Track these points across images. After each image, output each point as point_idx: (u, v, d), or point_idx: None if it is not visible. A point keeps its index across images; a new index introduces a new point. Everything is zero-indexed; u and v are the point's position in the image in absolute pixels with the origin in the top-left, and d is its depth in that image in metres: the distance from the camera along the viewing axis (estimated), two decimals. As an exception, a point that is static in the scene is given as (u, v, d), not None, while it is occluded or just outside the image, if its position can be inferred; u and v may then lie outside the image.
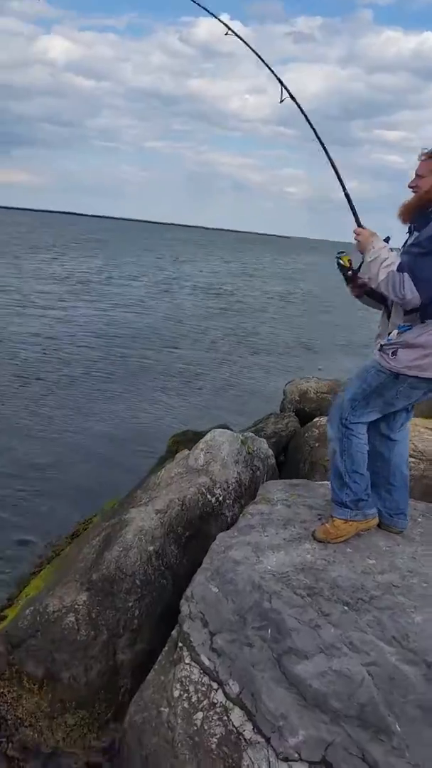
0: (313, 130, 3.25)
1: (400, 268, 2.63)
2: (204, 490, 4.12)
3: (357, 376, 3.03)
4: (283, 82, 3.36)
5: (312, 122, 3.26)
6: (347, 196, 3.05)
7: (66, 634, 3.09)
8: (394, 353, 2.82)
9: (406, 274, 2.61)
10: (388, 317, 2.93)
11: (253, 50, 3.55)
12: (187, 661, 2.47)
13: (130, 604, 3.27)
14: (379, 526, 3.22)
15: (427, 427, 5.89)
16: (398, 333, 2.83)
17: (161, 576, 3.49)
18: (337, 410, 3.04)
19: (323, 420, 5.90)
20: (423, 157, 2.75)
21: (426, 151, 2.75)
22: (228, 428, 6.59)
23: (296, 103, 3.33)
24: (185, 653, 2.49)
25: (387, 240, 2.83)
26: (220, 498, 4.20)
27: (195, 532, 3.87)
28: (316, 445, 5.35)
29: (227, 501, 4.24)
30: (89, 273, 25.82)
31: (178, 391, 9.38)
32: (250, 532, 3.06)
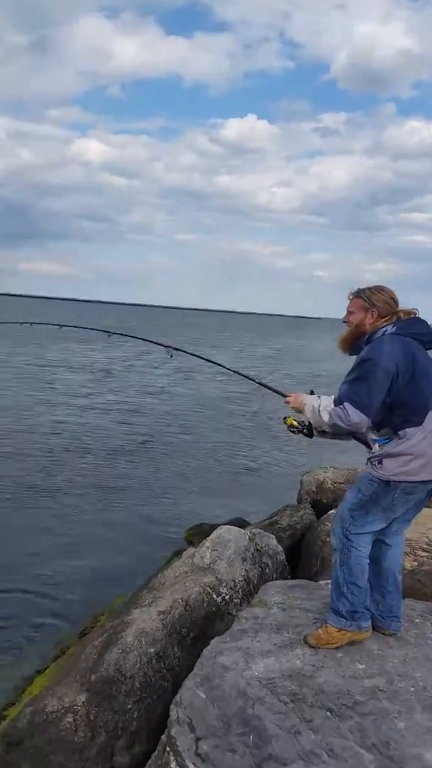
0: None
1: (338, 402, 2.89)
2: (209, 590, 4.20)
3: (353, 486, 3.19)
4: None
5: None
6: (260, 383, 3.74)
7: (63, 735, 3.13)
8: (380, 462, 2.99)
9: (346, 404, 2.86)
10: (358, 439, 3.14)
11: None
12: (172, 766, 2.52)
13: (129, 706, 3.31)
14: (373, 628, 3.27)
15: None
16: (379, 446, 3.03)
17: (162, 678, 3.53)
18: (339, 521, 3.18)
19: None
20: (351, 297, 3.08)
21: (354, 290, 3.10)
22: (243, 521, 6.70)
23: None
24: (171, 758, 2.54)
25: (312, 392, 3.17)
26: (227, 597, 4.27)
27: (200, 633, 3.91)
28: (328, 539, 5.38)
29: (234, 600, 4.30)
30: (114, 361, 26.67)
31: (198, 480, 9.50)
32: (243, 637, 3.13)
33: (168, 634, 3.77)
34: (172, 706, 2.79)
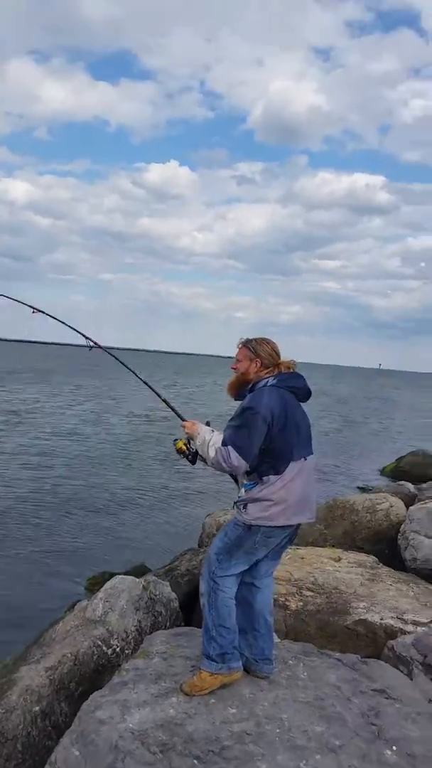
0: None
1: (224, 443, 3.13)
2: (99, 642, 4.27)
3: (221, 531, 3.41)
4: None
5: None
6: (165, 401, 3.90)
7: None
8: (244, 507, 3.23)
9: (229, 447, 3.11)
10: (236, 480, 3.37)
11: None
12: None
13: (10, 770, 3.33)
14: (247, 671, 3.46)
15: (331, 558, 6.23)
16: (245, 491, 3.27)
17: (47, 737, 3.56)
18: (206, 565, 3.38)
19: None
20: (239, 345, 3.38)
21: (242, 340, 3.39)
22: (145, 568, 6.78)
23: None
24: None
25: (208, 424, 3.40)
26: (117, 649, 4.34)
27: (90, 687, 3.92)
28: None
29: (126, 651, 4.37)
30: (24, 402, 26.12)
31: (104, 525, 9.43)
32: (122, 689, 3.24)
33: (55, 690, 3.81)
34: (47, 766, 2.85)
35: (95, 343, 4.19)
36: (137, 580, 4.91)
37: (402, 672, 3.82)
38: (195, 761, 2.74)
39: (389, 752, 2.96)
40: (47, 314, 4.29)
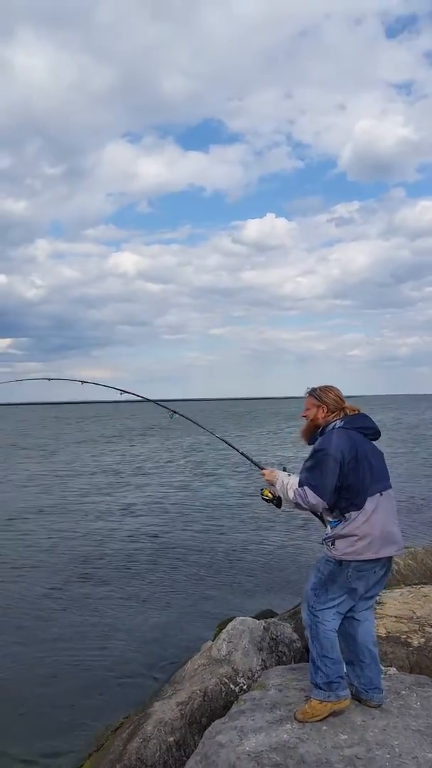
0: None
1: (300, 484, 3.45)
2: (226, 680, 4.59)
3: (314, 567, 3.67)
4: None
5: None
6: (243, 454, 4.31)
7: None
8: (332, 543, 3.49)
9: (306, 487, 3.42)
10: (322, 519, 3.65)
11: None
12: None
13: (152, 793, 3.70)
14: (359, 701, 3.63)
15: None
16: (331, 528, 3.54)
17: (182, 765, 3.90)
18: (305, 600, 3.65)
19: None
20: (306, 395, 3.71)
21: (308, 389, 3.72)
22: (272, 612, 7.01)
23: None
24: None
25: (284, 469, 3.75)
26: (244, 686, 4.62)
27: (220, 722, 4.28)
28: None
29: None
30: (141, 458, 27.41)
31: (231, 572, 9.77)
32: (239, 717, 3.54)
33: (187, 723, 4.16)
34: (176, 784, 3.20)
35: (174, 411, 4.72)
36: (258, 621, 5.19)
37: None
38: (306, 780, 2.96)
39: None
40: (134, 394, 4.92)
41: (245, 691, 4.60)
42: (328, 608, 3.53)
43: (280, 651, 5.07)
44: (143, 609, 8.19)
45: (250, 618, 5.28)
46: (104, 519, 14.47)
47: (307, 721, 3.43)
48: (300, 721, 3.45)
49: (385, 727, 3.40)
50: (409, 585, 6.64)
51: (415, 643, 5.06)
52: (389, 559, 3.57)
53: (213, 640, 5.08)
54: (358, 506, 3.43)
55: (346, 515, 3.44)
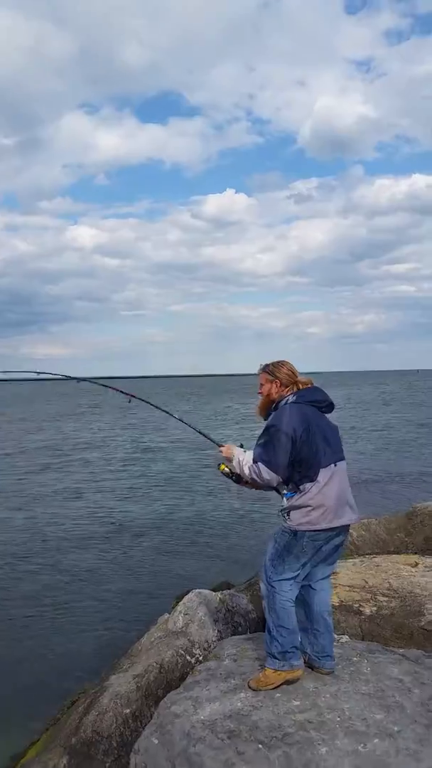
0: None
1: (254, 460, 3.47)
2: (182, 652, 4.63)
3: (271, 538, 3.72)
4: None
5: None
6: (201, 432, 4.27)
7: (48, 798, 3.55)
8: (288, 514, 3.54)
9: (259, 463, 3.45)
10: (278, 491, 3.68)
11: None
12: (131, 808, 2.95)
13: (108, 764, 3.73)
14: (311, 668, 3.72)
15: (407, 564, 6.32)
16: (286, 499, 3.58)
17: (138, 736, 3.94)
18: (263, 571, 3.69)
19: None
20: (259, 371, 3.72)
21: (261, 366, 3.73)
22: (229, 584, 7.10)
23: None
24: (130, 801, 2.97)
25: (241, 446, 3.78)
26: (200, 658, 4.67)
27: (176, 692, 4.33)
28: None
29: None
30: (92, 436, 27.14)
31: (186, 546, 9.92)
32: (194, 687, 3.59)
33: (144, 696, 4.19)
34: (131, 754, 3.24)
35: (132, 395, 4.63)
36: (214, 593, 5.25)
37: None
38: (259, 746, 3.03)
39: (448, 736, 3.12)
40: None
41: (201, 662, 4.67)
42: (285, 579, 3.59)
43: (236, 622, 5.14)
44: (100, 584, 8.21)
45: (207, 590, 5.34)
46: (54, 500, 14.31)
47: (260, 690, 3.50)
48: (254, 690, 3.51)
49: (336, 693, 3.49)
50: (362, 555, 6.81)
51: (367, 611, 5.20)
52: (345, 528, 3.63)
53: (170, 613, 5.12)
54: (311, 478, 3.48)
55: (301, 487, 3.48)
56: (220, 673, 3.72)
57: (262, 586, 3.68)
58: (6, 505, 13.78)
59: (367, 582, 5.72)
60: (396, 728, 3.17)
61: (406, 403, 48.32)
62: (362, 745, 3.04)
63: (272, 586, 3.59)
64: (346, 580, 5.74)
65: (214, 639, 4.87)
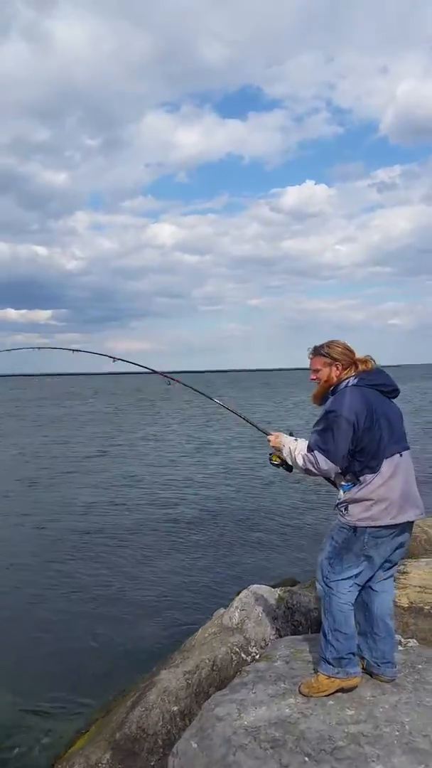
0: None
1: (309, 449, 3.16)
2: (237, 649, 4.41)
3: (328, 535, 3.41)
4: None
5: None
6: (245, 419, 3.95)
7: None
8: (346, 509, 3.22)
9: (316, 452, 3.13)
10: (334, 483, 3.37)
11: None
12: None
13: (152, 763, 3.57)
14: (371, 675, 3.40)
15: None
16: (344, 492, 3.26)
17: (185, 736, 3.76)
18: (319, 570, 3.39)
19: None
20: (310, 356, 3.38)
21: (310, 349, 3.39)
22: (294, 581, 6.81)
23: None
24: (166, 807, 2.78)
25: (291, 434, 3.46)
26: (256, 656, 4.44)
27: (229, 692, 4.12)
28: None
29: (265, 658, 4.47)
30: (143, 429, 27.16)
31: (251, 542, 9.62)
32: (240, 690, 3.34)
33: (194, 693, 4.01)
34: (169, 757, 3.05)
35: (172, 378, 4.31)
36: (273, 589, 5.00)
37: None
38: (306, 758, 2.76)
39: None
40: (126, 360, 4.46)
41: (257, 661, 4.43)
42: (344, 579, 3.28)
43: (296, 620, 4.87)
44: (157, 576, 8.10)
45: (266, 586, 5.09)
46: (112, 489, 14.36)
47: (312, 696, 3.22)
48: (304, 695, 3.24)
49: (396, 703, 3.16)
50: (438, 554, 6.33)
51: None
52: (409, 524, 3.29)
53: (226, 608, 4.91)
54: (374, 469, 3.15)
55: (361, 478, 3.16)
56: (270, 676, 3.47)
57: (319, 586, 3.38)
58: (65, 489, 14.01)
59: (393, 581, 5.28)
60: (463, 748, 2.82)
61: None
62: (424, 766, 2.71)
63: (329, 587, 3.29)
64: (418, 580, 5.32)
65: (272, 637, 4.62)
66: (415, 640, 4.37)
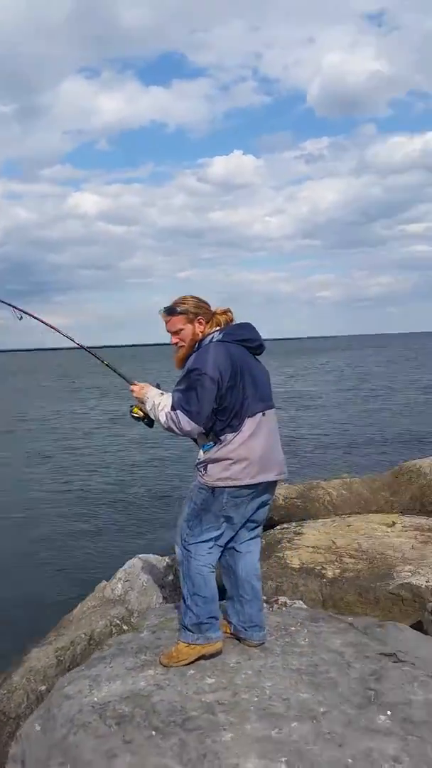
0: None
1: (173, 408, 2.92)
2: (118, 621, 4.18)
3: (187, 497, 3.20)
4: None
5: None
6: (108, 365, 3.58)
7: None
8: (205, 469, 3.01)
9: (178, 411, 2.89)
10: (196, 441, 3.15)
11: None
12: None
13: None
14: (238, 640, 3.24)
15: (383, 524, 5.80)
16: (203, 452, 3.05)
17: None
18: (178, 534, 3.19)
19: (278, 529, 5.92)
20: (166, 317, 3.10)
21: (162, 311, 3.12)
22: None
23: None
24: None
25: (158, 386, 3.19)
26: (139, 627, 4.24)
27: (107, 666, 3.90)
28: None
29: (150, 629, 4.27)
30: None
31: (140, 514, 9.50)
32: (98, 664, 3.11)
33: (66, 670, 3.75)
34: (12, 743, 2.80)
35: (23, 311, 3.77)
36: (161, 558, 4.80)
37: None
38: (153, 732, 2.56)
39: (382, 717, 2.63)
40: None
41: (123, 633, 4.23)
42: (203, 541, 3.08)
43: (187, 588, 4.68)
44: (36, 554, 7.71)
45: (153, 555, 4.87)
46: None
47: (171, 666, 3.03)
48: (165, 666, 3.04)
49: (261, 668, 3.00)
50: (339, 515, 6.30)
51: (330, 574, 4.71)
52: (272, 484, 3.12)
53: (109, 580, 4.68)
54: (235, 428, 2.94)
55: (221, 437, 2.95)
56: (132, 647, 3.25)
57: (178, 550, 3.18)
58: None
59: (334, 542, 5.22)
60: (321, 709, 2.68)
61: (411, 362, 47.13)
62: (277, 729, 2.55)
63: (188, 550, 3.09)
64: (312, 540, 5.24)
65: (157, 607, 4.42)
66: (302, 602, 4.27)
